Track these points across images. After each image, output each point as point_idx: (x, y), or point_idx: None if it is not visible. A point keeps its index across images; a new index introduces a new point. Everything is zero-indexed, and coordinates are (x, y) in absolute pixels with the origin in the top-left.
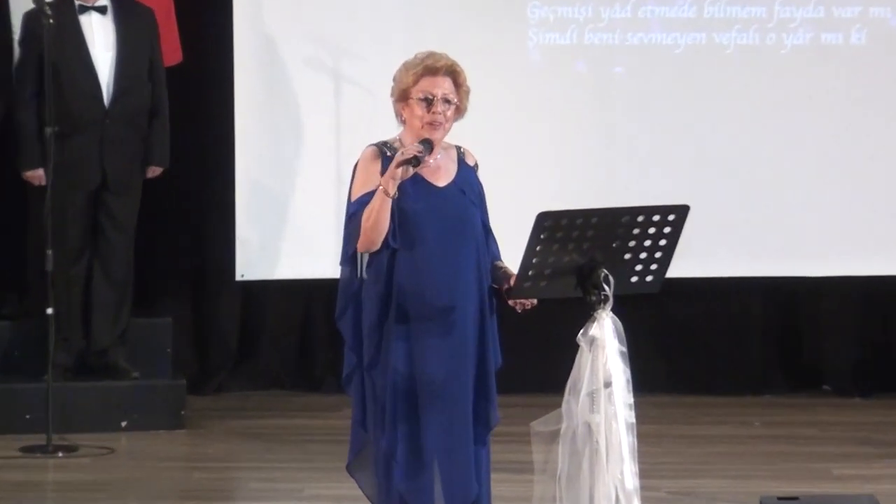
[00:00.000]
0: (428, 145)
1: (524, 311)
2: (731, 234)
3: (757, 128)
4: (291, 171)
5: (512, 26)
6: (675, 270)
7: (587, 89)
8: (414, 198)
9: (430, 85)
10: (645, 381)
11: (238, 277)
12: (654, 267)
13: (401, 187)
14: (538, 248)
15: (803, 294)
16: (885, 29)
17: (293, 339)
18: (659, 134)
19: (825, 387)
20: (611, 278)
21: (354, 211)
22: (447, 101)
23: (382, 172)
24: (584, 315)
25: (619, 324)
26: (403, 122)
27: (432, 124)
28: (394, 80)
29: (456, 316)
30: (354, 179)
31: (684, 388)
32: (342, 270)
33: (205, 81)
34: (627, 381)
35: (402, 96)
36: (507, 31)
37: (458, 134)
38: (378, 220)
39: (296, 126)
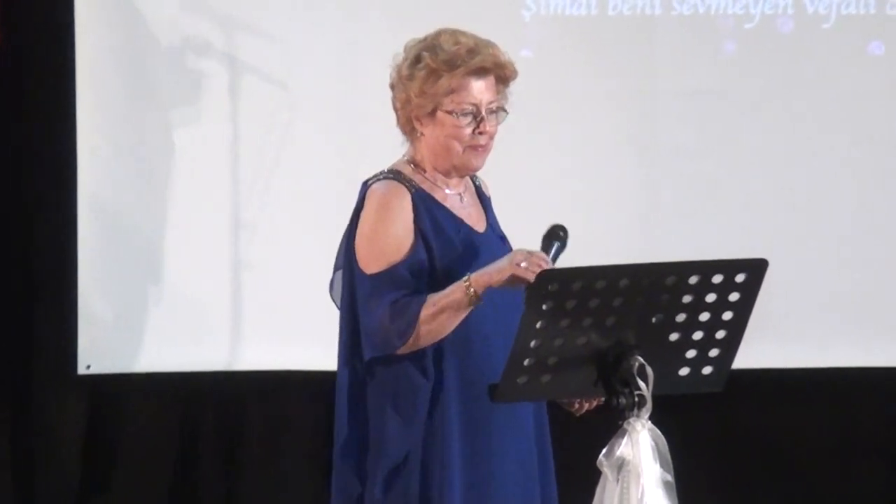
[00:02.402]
0: (561, 243)
1: (581, 414)
2: (835, 305)
3: (867, 136)
4: (165, 203)
5: None
6: (747, 359)
7: (612, 76)
8: (463, 250)
9: (478, 91)
10: None
11: (82, 370)
12: (714, 353)
13: (440, 232)
14: (539, 325)
15: None
16: None
17: (166, 464)
18: (718, 142)
19: None
20: (649, 370)
21: (396, 298)
22: (492, 112)
23: (417, 219)
24: (610, 425)
25: (663, 440)
26: (419, 137)
27: (476, 148)
28: (404, 76)
29: (524, 421)
30: (374, 233)
31: None
32: (344, 374)
33: (31, 73)
34: None
35: (428, 104)
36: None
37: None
38: (447, 327)
39: (170, 136)
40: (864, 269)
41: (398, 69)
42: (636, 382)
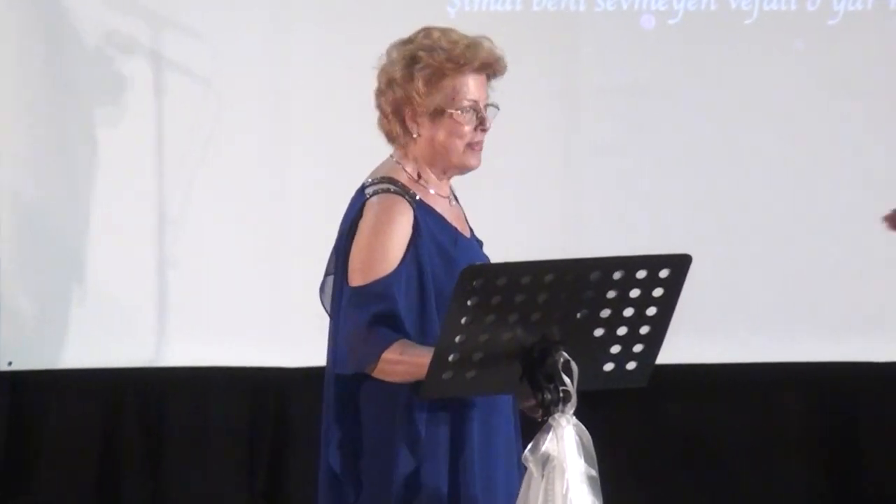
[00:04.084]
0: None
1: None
2: (755, 301)
3: (792, 131)
4: (88, 201)
5: None
6: (671, 354)
7: (536, 72)
8: (457, 264)
9: (476, 88)
10: None
11: (3, 366)
12: (638, 349)
13: (441, 251)
14: (463, 321)
15: (860, 388)
16: None
17: (89, 460)
18: (636, 141)
19: None
20: (574, 366)
21: (380, 309)
22: (487, 108)
23: (418, 238)
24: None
25: (588, 435)
26: (413, 139)
27: (475, 146)
28: (400, 78)
29: (507, 405)
30: (368, 248)
31: None
32: (332, 380)
33: None
34: None
35: (431, 104)
36: None
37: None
38: (400, 378)
39: (94, 134)
40: (782, 265)
41: (388, 72)
42: (561, 378)
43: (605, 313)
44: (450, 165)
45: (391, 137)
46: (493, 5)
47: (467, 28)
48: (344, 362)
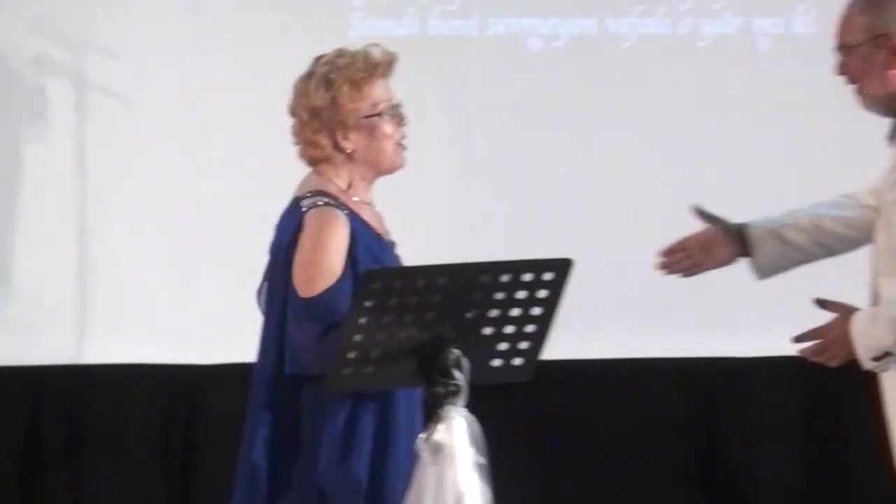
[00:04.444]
0: None
1: None
2: (631, 299)
3: (662, 149)
4: (11, 211)
5: (330, 11)
6: (555, 351)
7: (431, 90)
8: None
9: (386, 90)
10: (515, 503)
11: None
12: (524, 346)
13: (374, 262)
14: (362, 321)
15: (729, 381)
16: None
17: (9, 458)
18: (523, 156)
19: None
20: (464, 362)
21: (328, 321)
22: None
23: (354, 250)
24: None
25: (477, 425)
26: (347, 155)
27: (401, 144)
28: (322, 104)
29: (418, 398)
30: (313, 261)
31: None
32: (264, 384)
33: None
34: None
35: (355, 116)
36: (323, 17)
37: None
38: None
39: (17, 149)
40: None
41: (308, 104)
42: (453, 373)
43: (494, 313)
44: (382, 169)
45: (319, 160)
46: (392, 29)
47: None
48: (300, 363)
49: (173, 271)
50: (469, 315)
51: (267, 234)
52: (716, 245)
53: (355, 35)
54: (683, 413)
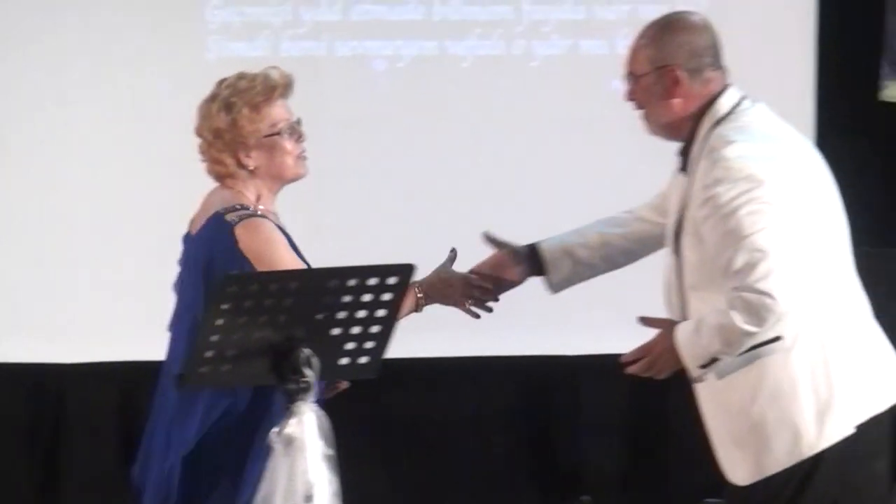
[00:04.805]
0: None
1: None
2: None
3: (498, 162)
4: None
5: (187, 30)
6: (400, 350)
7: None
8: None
9: (286, 109)
10: (362, 493)
11: None
12: (369, 345)
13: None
14: (219, 322)
15: (559, 377)
16: None
17: None
18: (371, 168)
19: (585, 498)
20: (314, 361)
21: None
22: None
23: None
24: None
25: (326, 419)
26: (251, 172)
27: (301, 156)
28: (224, 126)
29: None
30: (280, 258)
31: (413, 501)
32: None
33: None
34: (335, 493)
35: (255, 137)
36: (181, 40)
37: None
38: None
39: None
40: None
41: (211, 126)
42: (304, 371)
43: (342, 315)
44: (285, 180)
45: (225, 176)
46: (247, 51)
47: (224, 71)
48: None
49: (41, 271)
50: (319, 317)
51: (131, 236)
52: (506, 267)
53: (212, 57)
54: (518, 407)
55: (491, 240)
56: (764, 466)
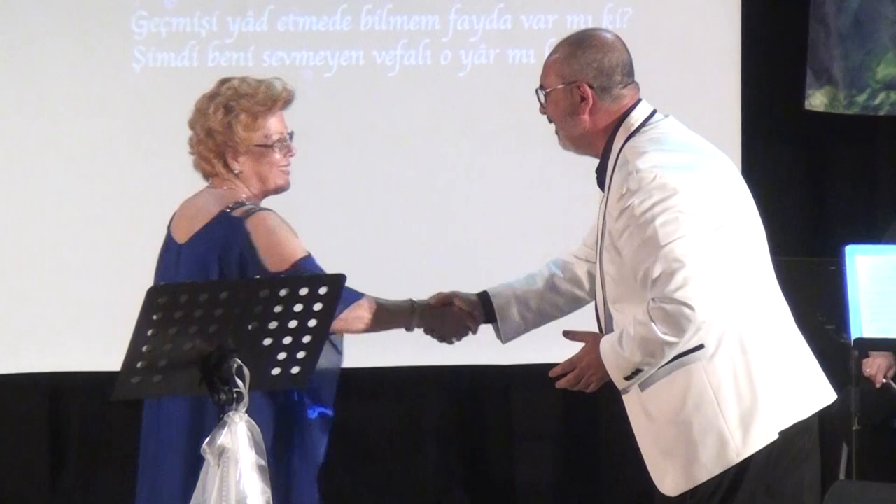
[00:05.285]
0: None
1: None
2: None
3: (426, 171)
4: None
5: (113, 41)
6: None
7: None
8: None
9: (281, 122)
10: None
11: None
12: (301, 355)
13: None
14: (150, 333)
15: (491, 386)
16: None
17: None
18: (298, 175)
19: None
20: (245, 371)
21: None
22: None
23: None
24: None
25: (258, 429)
26: (236, 174)
27: (287, 170)
28: (218, 126)
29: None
30: (289, 243)
31: None
32: None
33: None
34: (268, 502)
35: (247, 143)
36: (108, 50)
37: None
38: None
39: None
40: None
41: (205, 123)
42: (235, 381)
43: (273, 325)
44: (267, 190)
45: (210, 175)
46: (173, 62)
47: (150, 81)
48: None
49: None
50: (250, 327)
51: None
52: (457, 319)
53: (139, 67)
54: (451, 416)
55: (442, 298)
56: (692, 475)
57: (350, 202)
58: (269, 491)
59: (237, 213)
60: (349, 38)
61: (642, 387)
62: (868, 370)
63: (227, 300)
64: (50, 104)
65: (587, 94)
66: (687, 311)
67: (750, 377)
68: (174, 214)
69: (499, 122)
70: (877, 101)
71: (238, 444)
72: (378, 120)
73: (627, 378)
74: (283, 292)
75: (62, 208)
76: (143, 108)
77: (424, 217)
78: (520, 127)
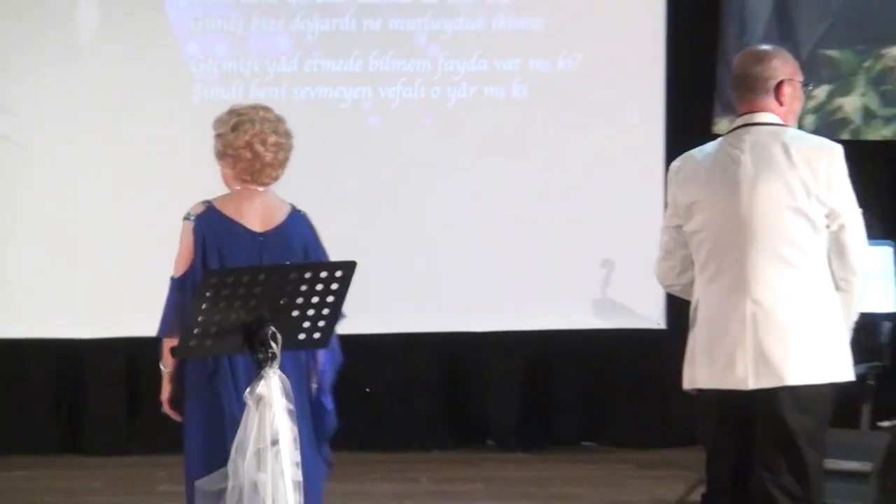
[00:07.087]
0: None
1: None
2: (399, 289)
3: (421, 181)
4: None
5: (175, 79)
6: (348, 326)
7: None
8: None
9: None
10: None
11: None
12: (321, 324)
13: None
14: (203, 307)
15: (469, 349)
16: (543, 81)
17: None
18: (322, 187)
19: (489, 441)
20: (278, 336)
21: None
22: None
23: None
24: None
25: (287, 381)
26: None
27: None
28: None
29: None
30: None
31: (351, 444)
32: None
33: None
34: (295, 439)
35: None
36: (170, 85)
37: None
38: None
39: None
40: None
41: (287, 146)
42: (270, 344)
43: (300, 300)
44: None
45: (274, 180)
46: (223, 95)
47: (206, 110)
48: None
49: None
50: (282, 302)
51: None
52: None
53: (197, 99)
54: (436, 373)
55: None
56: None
57: (362, 203)
58: (296, 429)
59: (301, 210)
60: (360, 77)
61: None
62: None
63: (263, 281)
64: (129, 126)
65: None
66: None
67: None
68: (234, 209)
69: (478, 143)
70: None
71: (273, 393)
72: (384, 141)
73: None
74: (307, 275)
75: (139, 201)
76: (201, 129)
77: (424, 217)
78: (494, 146)
